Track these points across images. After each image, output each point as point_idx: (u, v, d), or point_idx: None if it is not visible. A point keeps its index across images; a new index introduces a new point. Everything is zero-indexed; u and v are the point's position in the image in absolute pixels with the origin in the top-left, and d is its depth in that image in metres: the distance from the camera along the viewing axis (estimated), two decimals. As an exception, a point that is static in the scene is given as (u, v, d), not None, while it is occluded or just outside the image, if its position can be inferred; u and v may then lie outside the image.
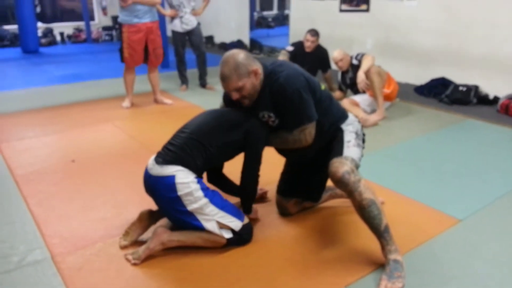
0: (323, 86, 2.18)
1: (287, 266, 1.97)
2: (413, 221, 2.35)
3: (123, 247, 2.08)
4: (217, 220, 2.00)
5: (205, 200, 1.97)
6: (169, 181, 1.93)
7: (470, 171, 3.00)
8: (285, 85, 1.98)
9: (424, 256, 2.04)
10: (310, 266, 1.98)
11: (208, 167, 2.12)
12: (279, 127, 2.11)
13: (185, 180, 1.93)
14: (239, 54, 1.99)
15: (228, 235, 2.03)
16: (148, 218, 2.15)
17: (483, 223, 2.34)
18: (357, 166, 2.00)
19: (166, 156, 2.00)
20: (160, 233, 2.00)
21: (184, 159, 1.97)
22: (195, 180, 1.96)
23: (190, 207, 1.95)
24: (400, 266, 1.88)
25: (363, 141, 2.22)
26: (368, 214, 1.89)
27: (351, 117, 2.23)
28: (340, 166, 1.92)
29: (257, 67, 2.01)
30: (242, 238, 2.08)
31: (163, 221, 2.17)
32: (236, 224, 2.05)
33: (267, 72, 2.05)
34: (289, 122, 2.06)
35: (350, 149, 2.05)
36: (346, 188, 1.89)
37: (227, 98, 2.22)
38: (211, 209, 1.98)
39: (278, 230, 2.27)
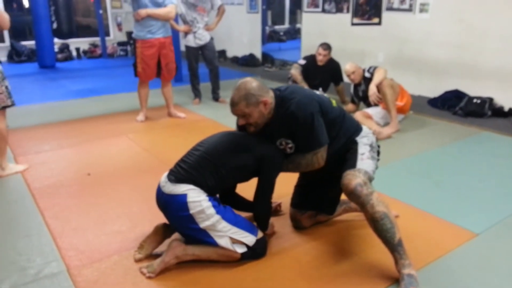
0: (334, 102, 2.18)
1: (301, 280, 1.96)
2: (429, 235, 2.32)
3: (138, 260, 2.10)
4: (230, 236, 2.00)
5: (217, 217, 1.97)
6: (181, 200, 1.94)
7: (486, 184, 2.96)
8: (296, 112, 2.00)
9: (440, 271, 2.01)
10: (325, 280, 1.96)
11: (220, 188, 2.11)
12: (291, 153, 2.13)
13: (196, 198, 1.94)
14: (252, 83, 2.03)
15: (241, 249, 2.03)
16: (163, 232, 2.16)
17: (501, 237, 2.30)
18: (370, 179, 2.00)
19: (178, 174, 2.02)
20: (175, 247, 2.01)
21: (196, 178, 1.98)
22: (207, 198, 1.97)
23: (203, 224, 1.95)
24: (415, 280, 1.86)
25: (378, 153, 2.21)
26: (381, 227, 1.88)
27: (365, 129, 2.24)
28: (353, 178, 1.92)
29: (268, 97, 2.04)
30: (256, 252, 2.08)
31: (178, 235, 2.17)
32: (250, 239, 2.05)
33: (279, 100, 2.07)
34: (302, 147, 2.08)
35: (364, 161, 2.05)
36: (358, 200, 1.89)
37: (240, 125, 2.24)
38: (224, 225, 1.99)
39: (292, 243, 2.26)
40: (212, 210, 1.96)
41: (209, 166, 2.01)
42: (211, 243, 1.99)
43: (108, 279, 1.98)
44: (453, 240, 2.26)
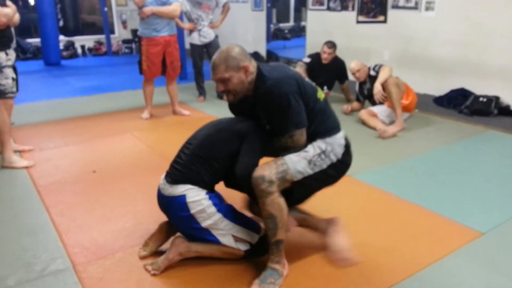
0: (321, 94, 2.05)
1: (304, 278, 1.96)
2: (434, 234, 2.31)
3: (142, 258, 2.10)
4: (232, 234, 2.00)
5: (218, 216, 1.97)
6: (181, 201, 1.94)
7: (492, 183, 2.94)
8: (272, 89, 1.89)
9: (445, 270, 2.00)
10: (329, 279, 1.96)
11: (218, 181, 2.10)
12: (270, 133, 2.01)
13: (196, 198, 1.93)
14: (234, 48, 1.95)
15: (245, 247, 2.03)
16: (168, 230, 2.16)
17: (507, 236, 2.29)
18: (282, 179, 1.86)
19: (174, 175, 2.01)
20: (178, 244, 2.01)
21: (192, 177, 1.97)
22: (207, 196, 1.96)
23: (204, 223, 1.95)
24: (276, 273, 1.89)
25: (334, 167, 2.00)
26: (266, 224, 1.90)
27: (338, 138, 2.02)
28: (264, 169, 1.85)
29: (249, 64, 1.94)
30: (259, 250, 2.07)
31: None
32: (253, 237, 2.05)
33: (260, 75, 1.96)
34: (276, 128, 1.95)
35: (298, 159, 1.91)
36: (255, 190, 1.86)
37: (233, 108, 2.19)
38: (226, 223, 1.99)
39: (296, 241, 2.25)
40: (213, 209, 1.95)
41: (202, 162, 1.98)
42: (214, 241, 1.99)
43: (113, 275, 1.99)
44: (458, 239, 2.25)
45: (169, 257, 1.99)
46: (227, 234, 1.99)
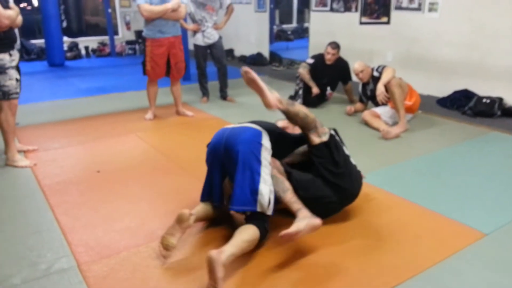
0: None
1: (307, 279, 1.97)
2: (437, 234, 2.32)
3: (170, 249, 2.06)
4: (270, 189, 2.12)
5: (270, 167, 2.18)
6: (257, 131, 2.22)
7: (495, 184, 2.94)
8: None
9: (448, 271, 2.01)
10: (331, 279, 1.96)
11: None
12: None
13: (268, 140, 2.21)
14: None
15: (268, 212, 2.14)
16: (188, 220, 2.10)
17: (510, 237, 2.29)
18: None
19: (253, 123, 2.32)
20: (216, 258, 1.80)
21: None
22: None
23: (263, 158, 2.14)
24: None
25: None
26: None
27: None
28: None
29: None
30: (265, 229, 2.14)
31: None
32: (271, 209, 2.15)
33: None
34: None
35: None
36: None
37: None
38: (269, 178, 2.15)
39: (298, 241, 2.25)
40: (269, 158, 2.19)
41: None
42: (255, 182, 2.08)
43: (117, 275, 2.00)
44: (462, 240, 2.25)
45: (218, 277, 1.77)
46: (268, 187, 2.11)
